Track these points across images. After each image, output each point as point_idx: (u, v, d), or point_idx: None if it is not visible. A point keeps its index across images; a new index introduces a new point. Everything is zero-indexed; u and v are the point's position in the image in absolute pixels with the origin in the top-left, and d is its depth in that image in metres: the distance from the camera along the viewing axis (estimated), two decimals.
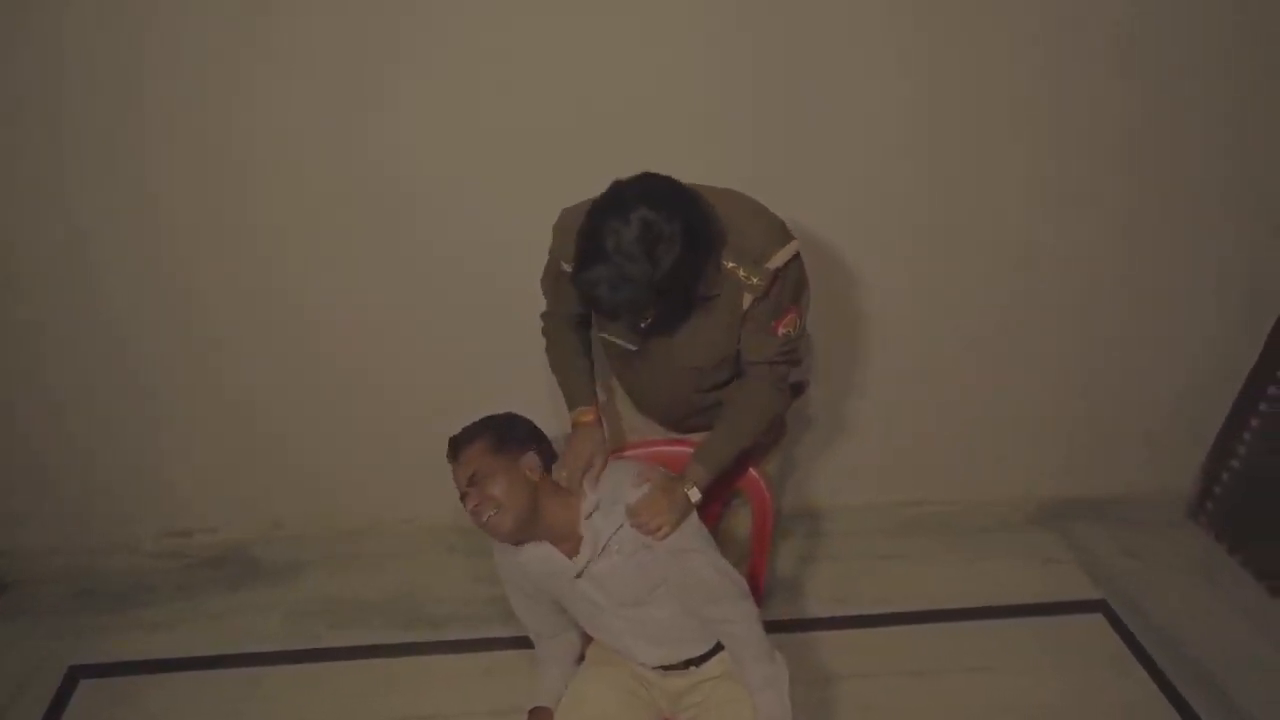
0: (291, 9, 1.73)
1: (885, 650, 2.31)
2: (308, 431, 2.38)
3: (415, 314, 2.17)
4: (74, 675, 2.29)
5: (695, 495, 1.62)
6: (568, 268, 1.52)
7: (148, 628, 2.44)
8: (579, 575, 1.61)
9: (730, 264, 1.49)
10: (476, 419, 1.67)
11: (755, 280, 1.48)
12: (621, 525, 1.59)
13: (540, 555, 1.64)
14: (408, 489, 2.52)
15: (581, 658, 1.82)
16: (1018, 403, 2.47)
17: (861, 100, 1.91)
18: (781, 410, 1.73)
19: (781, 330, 1.57)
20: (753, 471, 1.87)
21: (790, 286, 1.55)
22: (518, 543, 1.63)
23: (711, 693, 1.68)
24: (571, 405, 1.76)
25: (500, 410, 1.70)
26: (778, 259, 1.49)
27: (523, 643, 2.23)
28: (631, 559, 1.59)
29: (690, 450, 1.72)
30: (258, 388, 2.27)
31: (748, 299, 1.51)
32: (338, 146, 1.90)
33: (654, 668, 1.70)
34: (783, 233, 1.53)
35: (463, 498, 1.59)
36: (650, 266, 1.32)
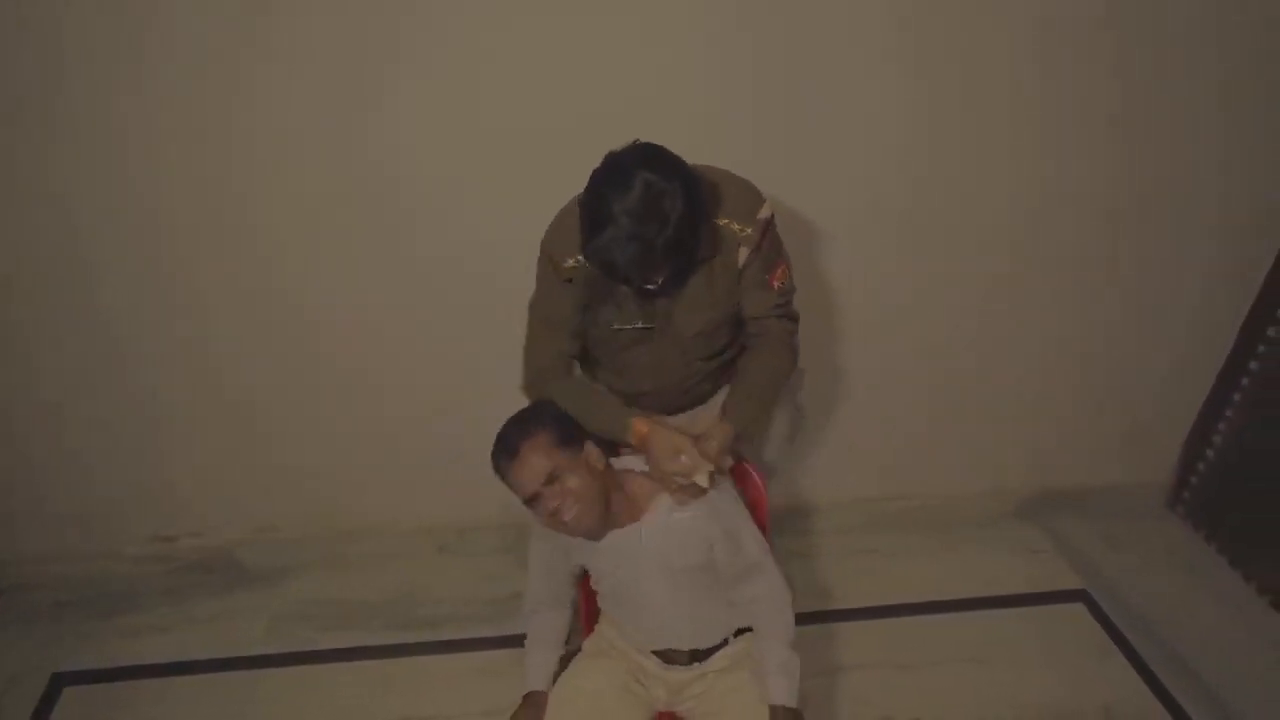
0: (291, 9, 1.72)
1: (874, 644, 2.34)
2: (302, 432, 2.36)
3: (414, 314, 2.16)
4: (58, 682, 2.26)
5: (726, 462, 1.66)
6: (571, 262, 1.55)
7: (135, 633, 2.41)
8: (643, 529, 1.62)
9: (723, 220, 1.55)
10: (516, 415, 1.60)
11: (748, 231, 1.55)
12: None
13: (594, 541, 1.65)
14: (401, 490, 2.50)
15: (568, 640, 1.82)
16: (1000, 398, 2.51)
17: (859, 101, 1.93)
18: (791, 368, 1.75)
19: (776, 283, 1.64)
20: (747, 465, 1.89)
21: (775, 240, 1.62)
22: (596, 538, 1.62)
23: (715, 682, 1.70)
24: (622, 426, 1.64)
25: (508, 410, 1.63)
26: (764, 211, 1.57)
27: (512, 642, 2.21)
28: (703, 525, 1.62)
29: None
30: (255, 389, 2.25)
31: (743, 253, 1.57)
32: (337, 146, 1.89)
33: (656, 653, 1.71)
34: (758, 192, 1.60)
35: (533, 499, 1.52)
36: (658, 224, 1.35)
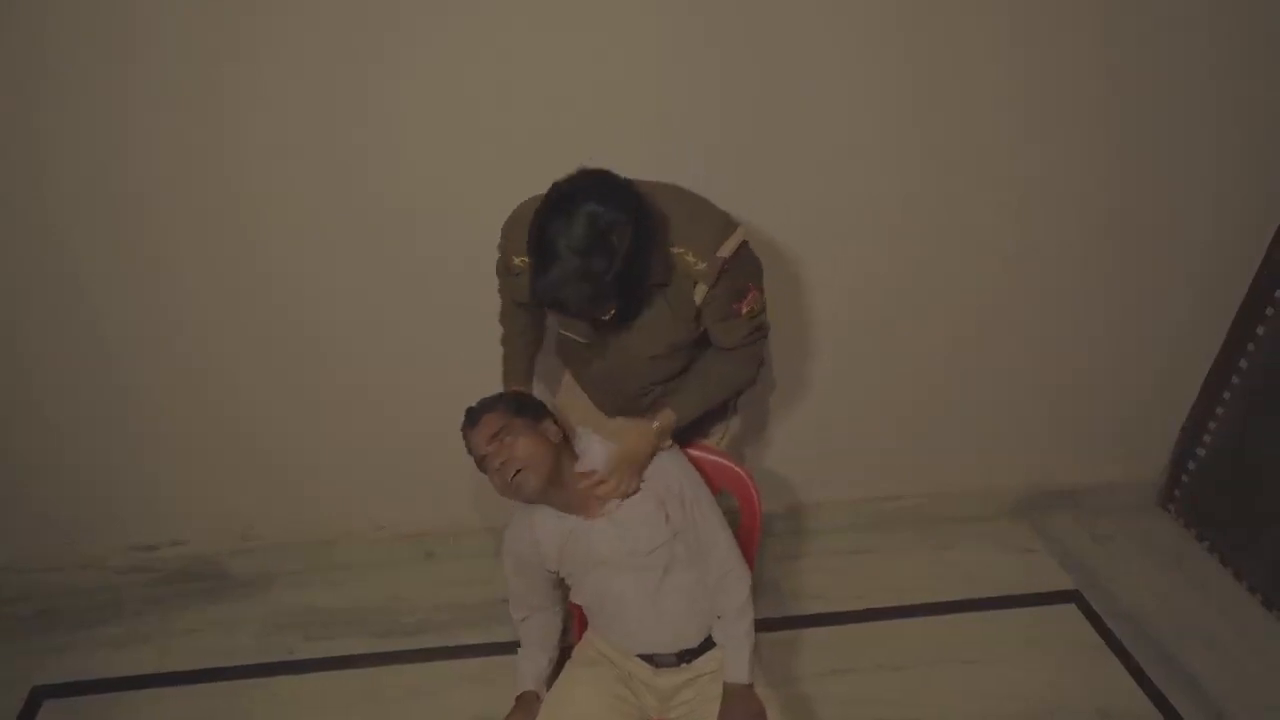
0: (283, 9, 1.70)
1: (865, 645, 2.32)
2: (288, 438, 2.33)
3: (399, 318, 2.13)
4: (37, 696, 2.22)
5: (666, 442, 1.72)
6: (519, 261, 1.56)
7: (118, 644, 2.38)
8: (599, 517, 1.66)
9: (678, 250, 1.50)
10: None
11: (703, 267, 1.50)
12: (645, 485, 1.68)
13: (557, 525, 1.68)
14: (388, 495, 2.48)
15: (561, 640, 1.84)
16: (991, 396, 2.50)
17: (846, 98, 1.91)
18: (752, 381, 1.77)
19: (745, 309, 1.60)
20: (739, 470, 1.89)
21: (744, 271, 1.58)
22: (538, 501, 1.66)
23: (705, 688, 1.68)
24: (506, 382, 1.84)
25: None
26: (726, 248, 1.51)
27: (500, 649, 2.26)
28: (651, 502, 1.67)
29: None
30: (241, 393, 2.22)
31: (701, 290, 1.53)
32: (332, 152, 1.88)
33: (644, 657, 1.70)
34: (728, 223, 1.55)
35: (482, 460, 1.60)
36: (607, 259, 1.32)
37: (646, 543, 1.65)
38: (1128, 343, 2.45)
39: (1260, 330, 2.36)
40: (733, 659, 1.65)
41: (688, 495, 1.70)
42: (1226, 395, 2.49)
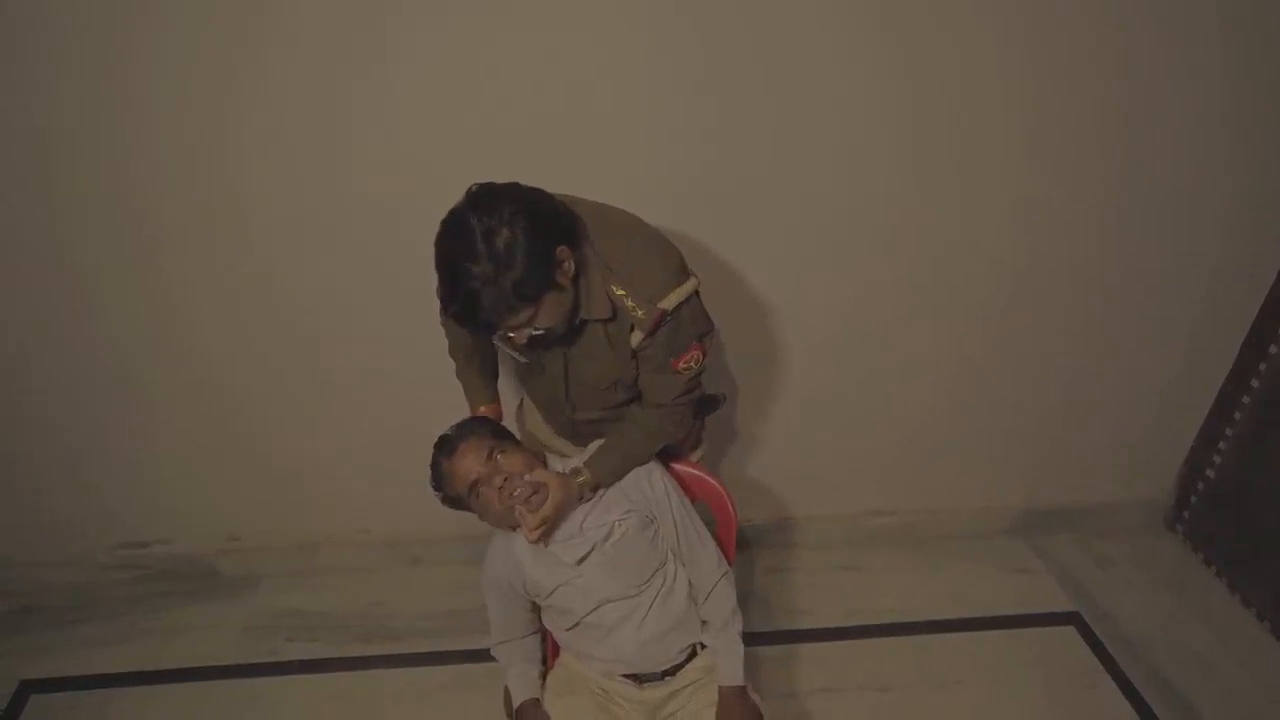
0: (284, 10, 1.70)
1: (854, 664, 2.28)
2: (278, 440, 2.33)
3: (392, 320, 2.11)
4: (25, 690, 2.25)
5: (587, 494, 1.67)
6: None
7: (102, 642, 2.39)
8: (581, 561, 1.61)
9: (620, 292, 1.46)
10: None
11: (640, 314, 1.46)
12: (630, 512, 1.64)
13: (540, 554, 1.64)
14: (375, 500, 2.47)
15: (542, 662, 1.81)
16: (992, 409, 2.45)
17: (846, 98, 1.87)
18: (680, 435, 1.76)
19: (682, 366, 1.56)
20: (715, 483, 1.86)
21: (687, 325, 1.52)
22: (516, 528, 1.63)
23: (691, 698, 1.67)
24: (471, 403, 1.82)
25: None
26: (669, 300, 1.46)
27: (486, 655, 2.20)
28: (643, 534, 1.65)
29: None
30: (233, 395, 2.22)
31: (636, 336, 1.49)
32: (331, 152, 1.87)
33: (628, 676, 1.68)
34: (679, 272, 1.50)
35: (474, 486, 1.57)
36: (495, 264, 1.28)
37: (637, 576, 1.63)
38: (1136, 356, 2.38)
39: (1273, 349, 2.27)
40: (728, 662, 1.66)
41: (675, 503, 1.69)
42: (1238, 415, 2.41)
